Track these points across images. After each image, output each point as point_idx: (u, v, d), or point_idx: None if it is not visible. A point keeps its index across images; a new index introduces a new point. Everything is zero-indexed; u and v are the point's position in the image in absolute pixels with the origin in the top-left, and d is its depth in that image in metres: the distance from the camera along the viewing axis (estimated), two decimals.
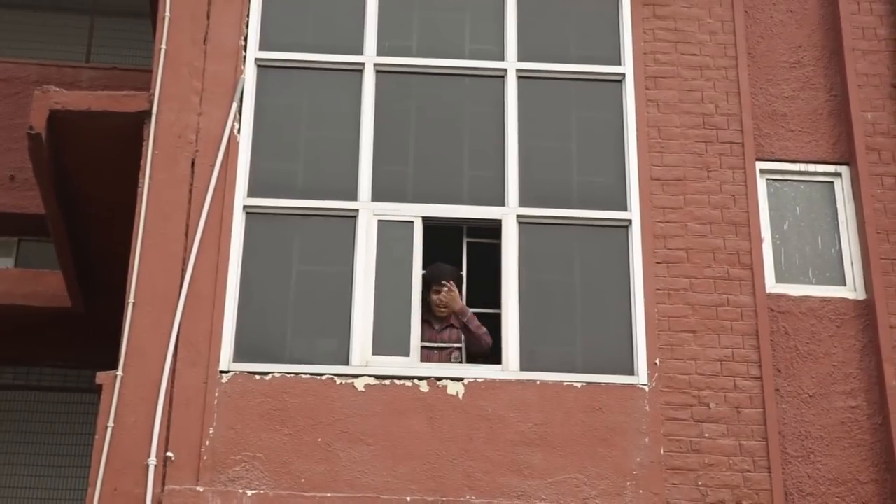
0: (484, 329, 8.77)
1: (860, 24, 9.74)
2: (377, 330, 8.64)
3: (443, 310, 8.85)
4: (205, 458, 8.22)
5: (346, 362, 8.53)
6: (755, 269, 8.92)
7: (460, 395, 8.45)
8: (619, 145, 9.28)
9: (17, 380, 11.80)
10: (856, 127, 9.37)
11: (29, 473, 11.58)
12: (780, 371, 8.73)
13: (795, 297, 8.99)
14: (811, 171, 9.42)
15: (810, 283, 9.13)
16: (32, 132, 9.17)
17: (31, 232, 11.73)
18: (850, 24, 9.69)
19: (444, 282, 8.85)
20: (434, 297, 8.83)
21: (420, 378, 8.49)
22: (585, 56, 9.56)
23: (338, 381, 8.44)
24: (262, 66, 9.37)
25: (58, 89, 9.35)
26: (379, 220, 8.90)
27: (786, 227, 9.29)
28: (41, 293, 11.05)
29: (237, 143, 9.06)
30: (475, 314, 8.89)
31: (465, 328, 8.80)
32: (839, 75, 9.58)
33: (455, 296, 8.78)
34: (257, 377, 8.44)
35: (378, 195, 8.98)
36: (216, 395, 8.38)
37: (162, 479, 8.15)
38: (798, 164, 9.41)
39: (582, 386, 8.51)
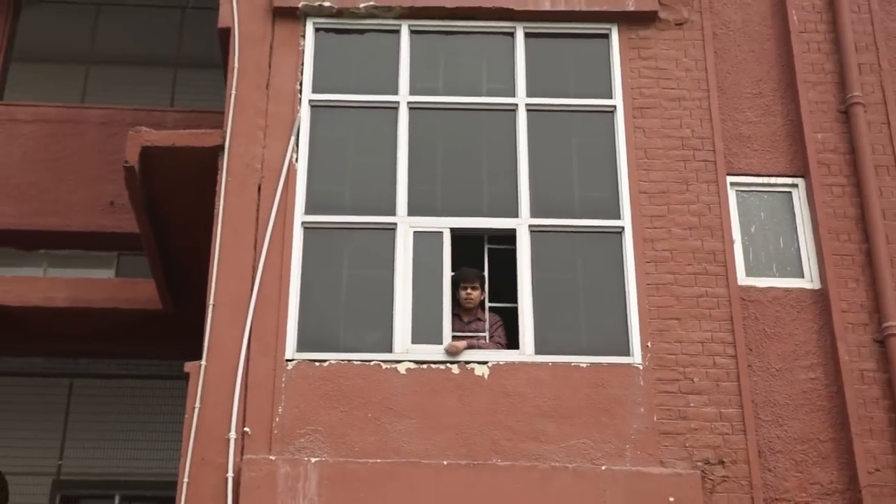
0: (497, 342, 8.72)
1: (810, 61, 9.65)
2: (415, 323, 8.61)
3: (470, 303, 8.78)
4: (275, 432, 8.22)
5: (389, 350, 8.50)
6: (728, 265, 8.86)
7: (485, 376, 8.42)
8: (612, 165, 9.22)
9: (121, 370, 11.83)
10: (809, 146, 9.29)
11: (133, 447, 11.61)
12: (751, 350, 8.66)
13: (762, 287, 8.92)
14: (773, 184, 9.34)
15: (774, 276, 9.05)
16: (128, 165, 9.19)
17: (128, 248, 11.70)
18: (801, 61, 9.61)
19: (466, 284, 8.80)
20: (462, 293, 8.77)
21: (452, 362, 8.45)
22: (582, 91, 9.53)
23: (383, 366, 8.42)
24: (314, 105, 9.35)
25: (148, 129, 9.35)
26: (414, 232, 8.88)
27: (753, 230, 9.22)
28: (137, 298, 11.06)
29: (295, 171, 9.05)
30: (493, 308, 8.88)
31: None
32: (794, 103, 9.50)
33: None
34: (316, 364, 8.43)
35: (412, 210, 8.95)
36: (283, 379, 8.37)
37: (241, 450, 8.16)
38: (761, 178, 9.34)
39: (587, 366, 8.47)
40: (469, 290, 8.78)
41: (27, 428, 11.51)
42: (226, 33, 9.55)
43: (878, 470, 8.30)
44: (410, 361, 8.44)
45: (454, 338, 8.58)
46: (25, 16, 13.03)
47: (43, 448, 11.50)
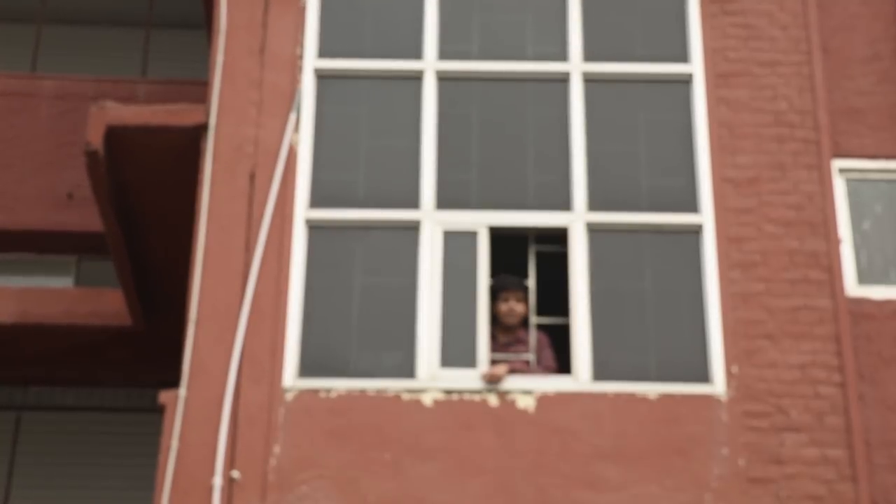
0: (546, 366, 8.80)
1: None
2: (444, 342, 8.67)
3: (511, 319, 8.85)
4: (270, 477, 8.27)
5: (412, 376, 8.56)
6: (834, 271, 8.88)
7: (530, 409, 8.46)
8: (688, 146, 9.29)
9: (80, 401, 11.94)
10: None
11: (93, 497, 11.72)
12: (863, 377, 8.69)
13: (878, 300, 8.97)
14: (891, 169, 9.42)
15: (894, 284, 9.11)
16: (90, 149, 9.25)
17: (90, 250, 11.87)
18: None
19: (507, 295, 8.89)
20: (502, 306, 8.85)
21: (489, 391, 8.50)
22: (652, 55, 9.58)
23: (404, 396, 8.48)
24: (320, 75, 9.43)
25: (114, 105, 9.44)
26: (443, 231, 8.95)
27: (866, 227, 9.29)
28: (101, 312, 11.16)
29: (296, 155, 9.14)
30: (539, 325, 8.92)
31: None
32: None
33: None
34: (322, 394, 8.49)
35: (441, 204, 9.03)
36: (281, 412, 8.43)
37: (228, 499, 8.21)
38: (877, 161, 9.42)
39: (656, 397, 8.51)
40: (510, 304, 8.85)
41: None
42: None
43: None
44: (438, 391, 8.50)
45: (493, 362, 8.64)
46: None
47: None
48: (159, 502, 8.19)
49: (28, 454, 11.83)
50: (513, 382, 8.54)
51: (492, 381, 8.51)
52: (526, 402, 8.47)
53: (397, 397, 8.47)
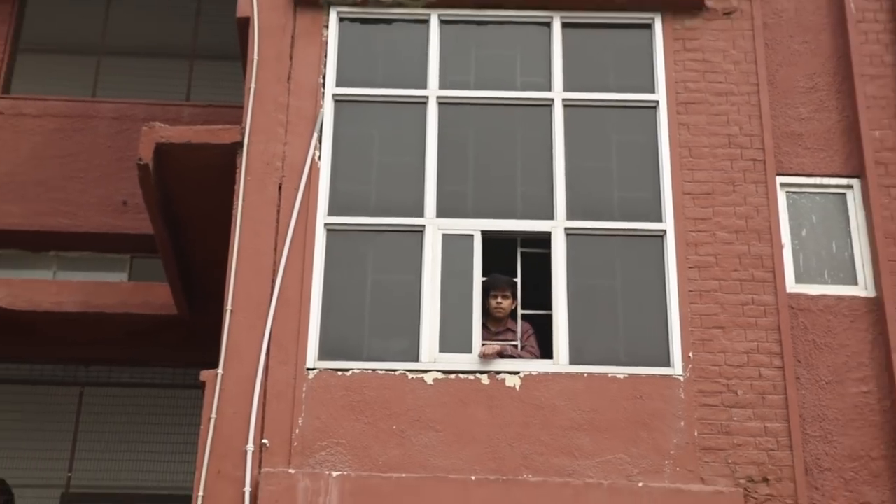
0: (530, 351, 8.76)
1: (868, 53, 9.65)
2: (443, 331, 8.66)
3: (500, 312, 8.84)
4: (295, 444, 8.30)
5: (416, 359, 8.57)
6: (777, 271, 8.87)
7: (517, 387, 8.47)
8: (654, 164, 9.25)
9: (133, 378, 11.90)
10: (865, 144, 9.29)
11: (145, 459, 11.71)
12: (799, 361, 8.69)
13: (813, 295, 8.95)
14: (826, 185, 9.36)
15: (826, 283, 9.07)
16: (141, 163, 9.26)
17: (142, 250, 11.82)
18: (859, 53, 9.60)
19: (497, 292, 8.86)
20: (491, 302, 8.83)
21: (481, 373, 8.51)
22: (623, 86, 9.53)
23: (409, 375, 8.49)
24: (338, 100, 9.42)
25: (162, 125, 9.43)
26: (443, 234, 8.92)
27: (803, 234, 9.25)
28: (151, 303, 11.16)
29: (318, 169, 9.12)
30: (525, 316, 8.89)
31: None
32: (850, 98, 9.50)
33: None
34: (339, 373, 8.50)
35: (441, 212, 9.00)
36: (304, 389, 8.44)
37: (258, 462, 8.22)
38: (814, 178, 9.36)
39: (624, 377, 8.51)
40: (500, 299, 8.84)
41: (35, 438, 11.62)
42: (245, 23, 9.60)
43: None
44: (438, 371, 8.50)
45: (484, 345, 8.64)
46: (33, 3, 13.12)
47: (51, 459, 11.58)
48: (201, 465, 8.20)
49: (89, 424, 11.82)
50: (502, 364, 8.54)
51: (485, 357, 8.52)
52: (513, 381, 8.48)
53: (403, 376, 8.49)
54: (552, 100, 9.43)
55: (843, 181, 9.36)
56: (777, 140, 9.38)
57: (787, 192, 9.33)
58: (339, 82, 9.49)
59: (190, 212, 10.00)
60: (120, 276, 12.08)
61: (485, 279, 8.85)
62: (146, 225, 10.45)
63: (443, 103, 9.42)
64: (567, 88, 9.47)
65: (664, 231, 9.02)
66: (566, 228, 8.98)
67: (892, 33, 9.74)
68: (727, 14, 9.69)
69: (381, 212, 9.07)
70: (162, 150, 9.34)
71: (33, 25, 13.11)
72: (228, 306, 8.69)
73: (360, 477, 8.17)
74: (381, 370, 8.52)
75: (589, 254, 8.96)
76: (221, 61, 12.48)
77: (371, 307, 8.82)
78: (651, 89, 9.51)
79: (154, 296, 11.17)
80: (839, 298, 8.95)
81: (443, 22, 9.67)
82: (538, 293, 8.92)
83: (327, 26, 9.62)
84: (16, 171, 12.07)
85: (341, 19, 9.68)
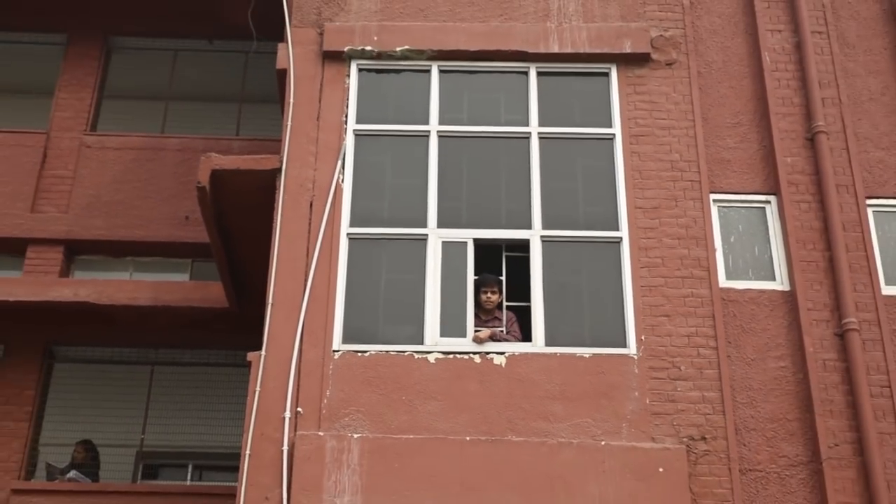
0: (513, 335, 8.69)
1: (781, 95, 9.63)
2: (443, 319, 8.61)
3: (489, 304, 8.78)
4: (323, 412, 8.26)
5: (421, 342, 8.52)
6: (711, 270, 8.83)
7: (503, 365, 8.43)
8: (612, 184, 9.20)
9: (194, 359, 11.81)
10: (780, 168, 9.27)
11: (202, 424, 11.66)
12: (730, 342, 8.65)
13: (740, 289, 8.90)
14: (749, 200, 9.31)
15: (750, 279, 9.01)
16: (200, 186, 9.25)
17: (200, 255, 11.75)
18: (773, 95, 9.59)
19: (487, 291, 8.79)
20: (482, 296, 8.76)
21: (474, 353, 8.46)
22: (586, 122, 9.49)
23: (415, 356, 8.44)
24: (357, 134, 9.38)
25: (217, 155, 9.40)
26: (442, 242, 8.89)
27: (732, 240, 9.19)
28: (208, 297, 11.08)
29: (341, 190, 9.08)
30: (509, 307, 8.83)
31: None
32: (767, 132, 9.48)
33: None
34: (359, 354, 8.46)
35: (441, 224, 8.96)
36: (330, 367, 8.40)
37: (294, 427, 8.19)
38: (739, 195, 9.31)
39: (589, 356, 8.47)
40: (489, 294, 8.76)
41: (115, 407, 11.56)
42: (283, 74, 9.59)
43: (836, 445, 8.29)
44: (439, 352, 8.45)
45: (476, 332, 8.56)
46: (114, 60, 13.15)
47: (128, 424, 11.53)
48: (247, 429, 8.18)
49: (158, 396, 11.73)
50: (491, 346, 8.50)
51: (477, 341, 8.47)
52: (500, 360, 8.43)
53: (410, 356, 8.44)
54: (529, 133, 9.39)
55: (763, 197, 9.32)
56: (710, 165, 9.34)
57: (718, 206, 9.27)
58: (359, 120, 9.45)
59: (239, 225, 9.92)
60: (182, 277, 12.02)
61: (476, 278, 8.81)
62: (203, 235, 10.39)
63: (442, 136, 9.38)
64: (541, 124, 9.43)
65: (620, 238, 8.97)
66: (542, 236, 8.93)
67: (799, 80, 9.70)
68: (669, 65, 9.67)
69: (393, 224, 9.02)
70: (216, 176, 9.31)
71: (114, 77, 13.08)
72: (269, 300, 8.65)
73: (376, 438, 8.15)
74: (393, 351, 8.47)
75: (560, 257, 8.90)
76: (264, 104, 12.44)
77: (384, 300, 8.78)
78: (609, 125, 9.47)
79: (210, 292, 11.09)
80: (761, 291, 8.91)
81: (441, 72, 9.64)
82: (519, 289, 8.88)
83: (349, 75, 9.59)
84: (100, 193, 12.04)
85: (360, 70, 9.65)
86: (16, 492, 10.59)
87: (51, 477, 10.88)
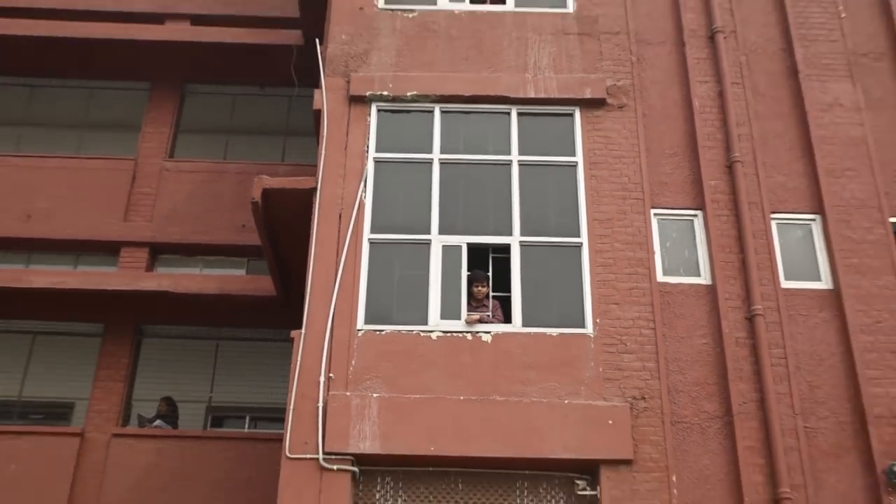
0: (498, 318, 8.68)
1: (707, 132, 9.59)
2: (443, 306, 8.61)
3: (479, 295, 8.78)
4: (350, 377, 8.29)
5: (425, 323, 8.54)
6: (651, 268, 8.85)
7: (489, 341, 8.46)
8: (575, 201, 9.19)
9: (252, 335, 11.79)
10: (705, 189, 9.25)
11: (257, 385, 11.60)
12: (665, 324, 8.66)
13: (674, 283, 8.90)
14: (681, 214, 9.28)
15: (682, 276, 8.99)
16: (254, 201, 9.31)
17: (254, 255, 11.78)
18: (701, 132, 9.56)
19: (478, 284, 8.79)
20: (474, 289, 8.77)
21: (467, 332, 8.50)
22: (556, 152, 9.45)
23: (421, 334, 8.47)
24: (377, 161, 9.38)
25: (267, 177, 9.43)
26: (442, 245, 8.89)
27: (668, 244, 9.18)
28: (260, 288, 11.09)
29: (364, 204, 9.09)
30: (494, 296, 8.82)
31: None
32: (696, 161, 9.45)
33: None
34: (377, 332, 8.48)
35: (442, 231, 8.96)
36: (355, 342, 8.43)
37: (327, 388, 8.22)
38: (674, 210, 9.27)
39: (556, 335, 8.50)
40: (479, 287, 8.77)
41: (190, 372, 11.56)
42: (318, 113, 9.58)
43: (745, 403, 8.33)
44: (439, 331, 8.48)
45: (469, 315, 8.61)
46: (188, 102, 13.15)
47: (200, 385, 11.52)
48: (290, 389, 8.21)
49: (222, 364, 11.68)
50: (480, 327, 8.52)
51: (469, 323, 8.47)
52: (487, 338, 8.46)
53: (417, 334, 8.46)
54: (511, 161, 9.38)
55: (692, 212, 9.28)
56: (651, 186, 9.33)
57: (658, 218, 9.26)
58: (378, 150, 9.44)
59: (284, 232, 9.93)
60: (240, 272, 12.01)
61: (469, 273, 8.82)
62: (256, 240, 10.43)
63: (443, 163, 9.38)
64: (521, 153, 9.42)
65: (581, 243, 8.98)
66: (520, 241, 8.93)
67: (721, 121, 9.66)
68: (620, 108, 9.65)
69: (404, 231, 9.02)
70: (266, 193, 9.34)
71: (188, 116, 13.06)
72: (308, 290, 8.66)
73: (391, 397, 8.17)
74: (404, 330, 8.48)
75: (534, 257, 8.89)
76: (304, 137, 12.41)
77: (397, 291, 8.76)
78: (573, 154, 9.45)
79: (262, 284, 11.09)
80: (690, 285, 8.90)
81: (443, 112, 9.62)
82: (503, 282, 8.88)
83: (370, 115, 9.57)
84: (176, 206, 12.07)
85: (379, 110, 9.63)
86: (115, 436, 10.80)
87: (141, 425, 11.02)
